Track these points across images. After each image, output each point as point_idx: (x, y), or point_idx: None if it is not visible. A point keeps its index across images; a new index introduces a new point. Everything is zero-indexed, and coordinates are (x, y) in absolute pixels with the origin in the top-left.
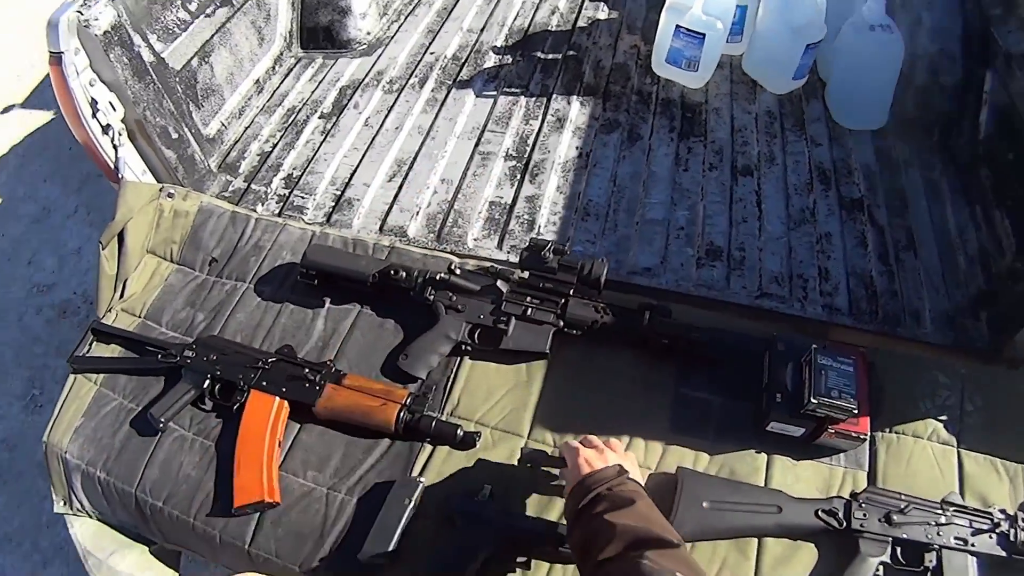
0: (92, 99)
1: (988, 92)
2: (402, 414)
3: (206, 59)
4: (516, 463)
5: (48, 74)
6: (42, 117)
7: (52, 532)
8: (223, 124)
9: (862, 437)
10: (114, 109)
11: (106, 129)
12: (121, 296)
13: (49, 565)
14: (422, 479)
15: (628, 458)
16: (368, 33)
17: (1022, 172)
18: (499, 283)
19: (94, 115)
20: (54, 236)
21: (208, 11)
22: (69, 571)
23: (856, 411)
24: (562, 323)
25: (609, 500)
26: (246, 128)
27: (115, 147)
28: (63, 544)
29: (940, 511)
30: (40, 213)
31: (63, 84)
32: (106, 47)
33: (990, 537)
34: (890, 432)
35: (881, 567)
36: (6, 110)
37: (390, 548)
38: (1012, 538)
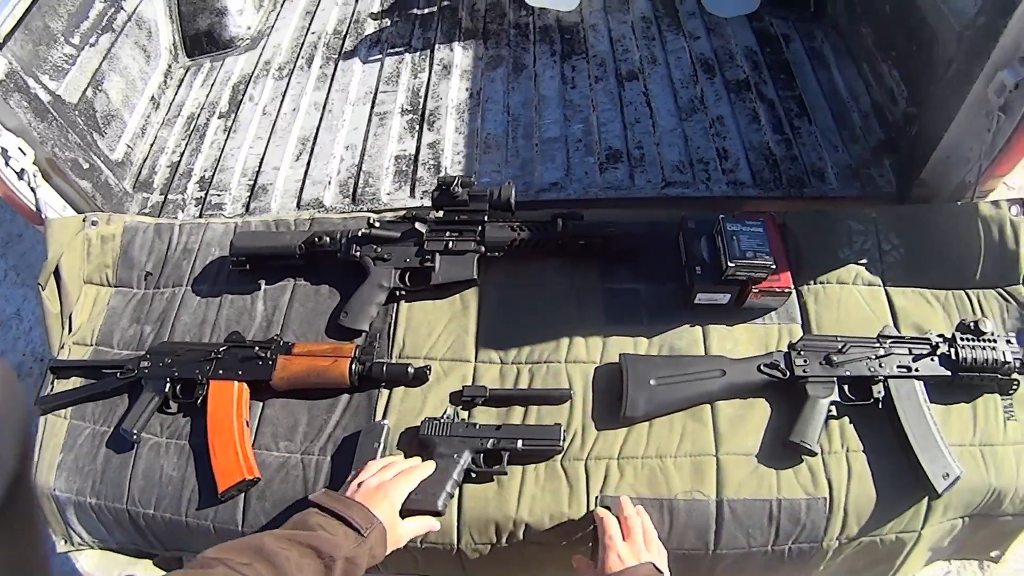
0: (2, 148)
1: None
2: (354, 366)
3: (99, 87)
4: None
5: None
6: None
7: None
8: (129, 146)
9: (787, 291)
10: (24, 153)
11: (21, 174)
12: (70, 330)
13: None
14: (386, 421)
15: (661, 550)
16: (249, 28)
17: (901, 21)
18: (418, 225)
19: (7, 163)
20: None
21: (91, 41)
22: None
23: (774, 267)
24: (483, 248)
25: None
26: (151, 144)
27: (33, 189)
28: None
29: (878, 344)
30: None
31: None
32: (4, 95)
33: (932, 360)
34: (815, 284)
35: (833, 407)
36: None
37: None
38: (954, 357)
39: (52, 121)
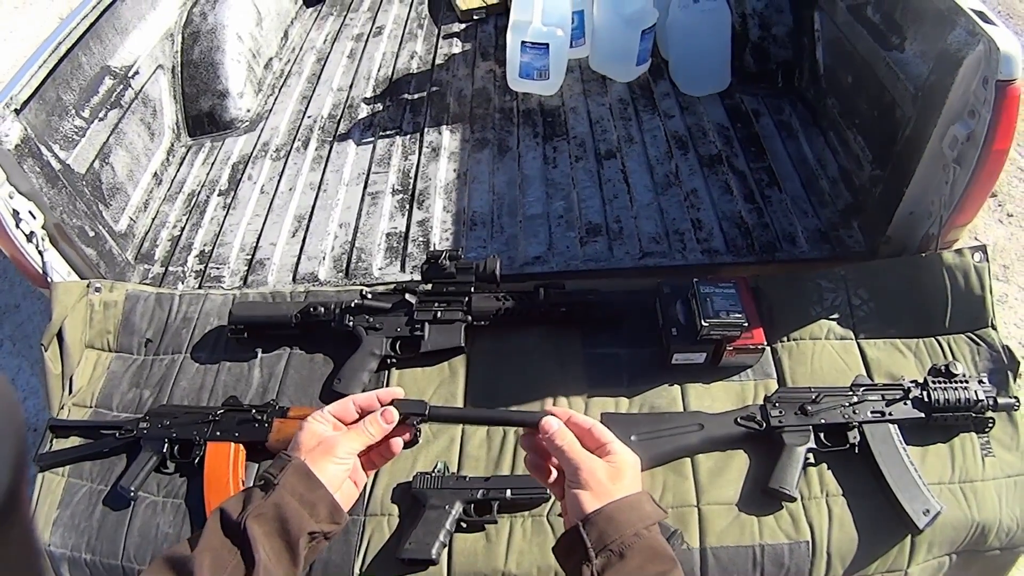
0: (13, 210)
1: (819, 30)
2: None
3: (106, 160)
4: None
5: None
6: None
7: None
8: (131, 218)
9: (760, 347)
10: (34, 217)
11: (30, 237)
12: (70, 392)
13: None
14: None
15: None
16: (248, 110)
17: (863, 90)
18: (408, 296)
19: (18, 225)
20: None
21: (100, 115)
22: None
23: (747, 324)
24: (470, 317)
25: (645, 555)
26: (153, 219)
27: (40, 253)
28: None
29: (851, 393)
30: None
31: None
32: (19, 159)
33: (905, 404)
34: (789, 341)
35: (810, 454)
36: None
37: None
38: (927, 399)
39: (62, 188)
